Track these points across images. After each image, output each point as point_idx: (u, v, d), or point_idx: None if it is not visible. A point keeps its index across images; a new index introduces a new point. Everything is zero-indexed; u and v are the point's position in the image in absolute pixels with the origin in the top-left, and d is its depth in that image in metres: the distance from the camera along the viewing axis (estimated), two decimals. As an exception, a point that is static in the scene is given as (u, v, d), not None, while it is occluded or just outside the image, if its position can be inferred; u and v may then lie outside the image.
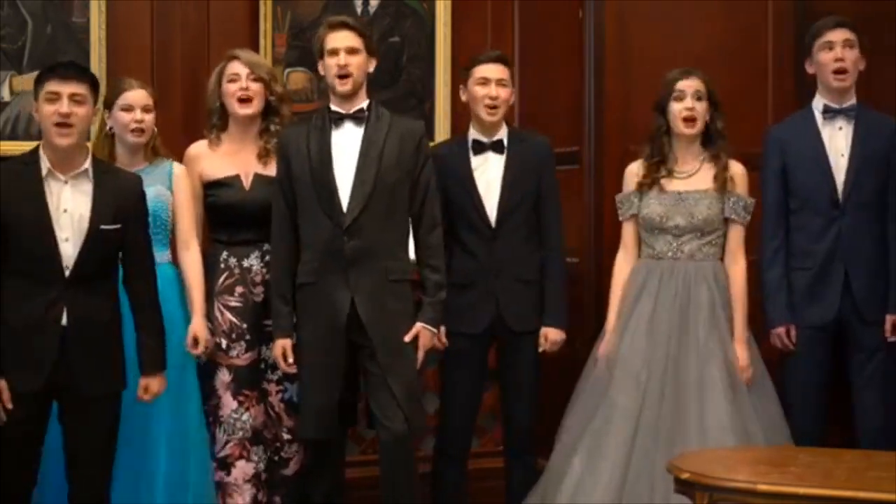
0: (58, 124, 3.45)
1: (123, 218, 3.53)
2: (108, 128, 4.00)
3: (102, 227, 3.48)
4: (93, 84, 3.55)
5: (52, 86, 3.47)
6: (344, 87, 3.92)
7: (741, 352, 4.06)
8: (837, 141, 4.23)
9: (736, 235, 4.16)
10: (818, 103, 4.27)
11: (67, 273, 3.44)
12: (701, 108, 4.11)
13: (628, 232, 4.23)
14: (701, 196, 4.10)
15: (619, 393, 4.03)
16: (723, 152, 4.13)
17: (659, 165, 4.15)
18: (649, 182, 4.14)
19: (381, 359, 3.84)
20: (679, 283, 4.07)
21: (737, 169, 4.16)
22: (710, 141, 4.16)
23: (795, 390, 4.25)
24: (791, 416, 4.25)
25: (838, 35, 4.20)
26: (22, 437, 3.45)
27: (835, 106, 4.24)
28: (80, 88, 3.48)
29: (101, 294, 3.52)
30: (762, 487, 3.21)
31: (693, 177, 4.14)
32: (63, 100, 3.45)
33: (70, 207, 3.47)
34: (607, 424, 4.02)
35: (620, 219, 4.24)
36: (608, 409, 4.04)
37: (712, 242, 4.12)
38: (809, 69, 4.30)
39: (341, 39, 3.93)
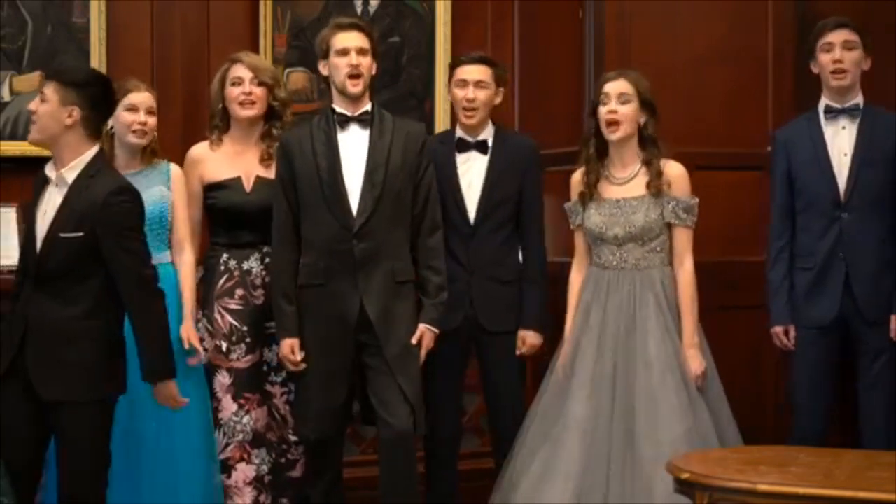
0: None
1: (87, 225, 3.42)
2: (109, 127, 4.00)
3: (61, 234, 3.42)
4: (68, 84, 3.46)
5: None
6: (356, 87, 3.92)
7: (692, 359, 3.93)
8: (840, 140, 4.22)
9: (680, 238, 4.00)
10: (822, 104, 4.27)
11: (33, 275, 3.45)
12: (627, 111, 3.98)
13: (579, 241, 4.13)
14: (638, 203, 3.99)
15: (573, 404, 3.97)
16: (655, 157, 4.00)
17: (592, 171, 4.03)
18: (588, 191, 4.04)
19: (388, 356, 3.86)
20: (625, 293, 3.98)
21: (675, 170, 4.00)
22: (645, 146, 4.04)
23: (798, 390, 4.25)
24: (794, 416, 4.25)
25: (838, 36, 4.20)
26: (23, 439, 3.45)
27: (837, 106, 4.23)
28: (44, 87, 3.48)
29: (71, 300, 3.42)
30: (762, 487, 3.21)
31: (630, 183, 4.02)
32: (36, 97, 3.50)
33: (48, 209, 3.47)
34: (563, 435, 3.95)
35: (571, 227, 4.15)
36: (564, 420, 3.97)
37: (656, 249, 4.01)
38: (814, 69, 4.30)
39: (352, 40, 3.93)
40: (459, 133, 4.24)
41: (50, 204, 3.47)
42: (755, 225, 4.63)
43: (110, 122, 3.96)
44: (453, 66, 4.26)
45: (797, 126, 4.32)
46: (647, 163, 4.02)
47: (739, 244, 4.53)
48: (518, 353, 4.19)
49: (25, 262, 3.50)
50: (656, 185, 3.98)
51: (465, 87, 4.17)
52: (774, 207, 4.28)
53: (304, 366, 3.92)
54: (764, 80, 4.74)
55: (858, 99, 4.24)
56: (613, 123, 3.98)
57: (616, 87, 3.99)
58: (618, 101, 3.97)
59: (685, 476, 3.33)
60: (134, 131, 3.95)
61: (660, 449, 3.78)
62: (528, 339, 4.17)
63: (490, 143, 4.22)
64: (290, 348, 3.92)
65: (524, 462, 4.02)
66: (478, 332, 4.18)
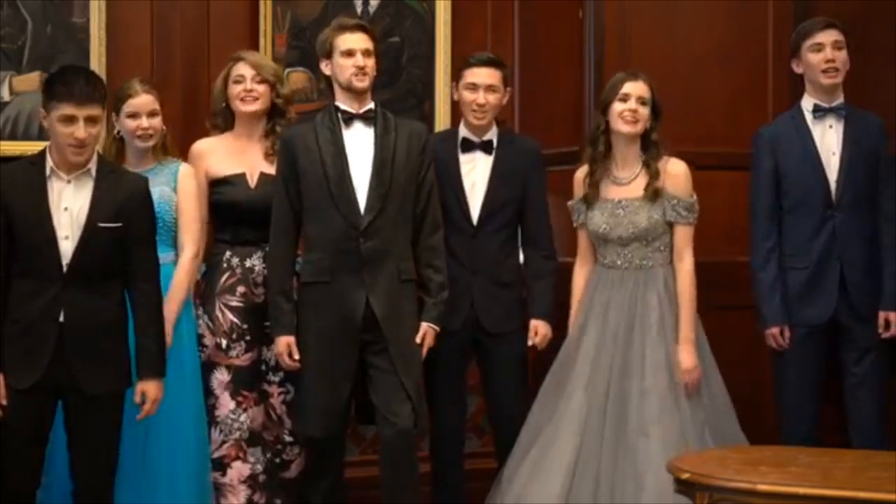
0: (73, 145, 3.46)
1: (126, 216, 3.53)
2: (115, 131, 4.01)
3: (101, 224, 3.48)
4: (104, 97, 3.54)
5: (67, 109, 3.43)
6: (362, 82, 3.92)
7: (684, 354, 3.96)
8: (828, 140, 4.23)
9: (681, 235, 4.05)
10: (807, 103, 4.27)
11: (65, 271, 3.46)
12: (645, 112, 4.03)
13: (582, 239, 4.16)
14: (639, 204, 4.03)
15: (569, 398, 4.00)
16: (654, 160, 4.04)
17: (596, 171, 4.07)
18: (592, 191, 4.07)
19: (393, 355, 3.86)
20: (628, 292, 4.02)
21: (676, 168, 4.06)
22: (648, 148, 4.07)
23: (788, 390, 4.25)
24: (783, 416, 4.25)
25: (827, 37, 4.20)
26: (26, 437, 3.47)
27: (825, 105, 4.24)
28: (94, 110, 3.46)
29: (104, 293, 3.52)
30: (762, 487, 3.21)
31: (631, 183, 4.06)
32: (79, 123, 3.43)
33: (71, 205, 3.49)
34: (557, 429, 3.98)
35: (574, 225, 4.18)
36: (558, 414, 4.00)
37: (660, 248, 4.06)
38: (797, 69, 4.30)
39: (359, 41, 3.94)
40: (464, 133, 4.24)
41: (70, 200, 3.49)
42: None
43: (116, 127, 3.99)
44: (463, 66, 4.24)
45: (782, 124, 4.32)
46: (647, 164, 4.05)
47: (739, 244, 4.51)
48: (530, 342, 4.18)
49: (40, 262, 3.47)
50: (653, 189, 4.02)
51: (475, 91, 4.16)
52: (759, 206, 4.26)
53: (298, 365, 3.92)
54: (764, 80, 4.74)
55: (842, 98, 4.25)
56: (632, 122, 4.01)
57: (637, 88, 4.03)
58: (638, 102, 4.02)
59: (685, 476, 3.33)
60: (139, 136, 3.98)
61: (650, 446, 3.82)
62: (540, 328, 4.18)
63: (495, 143, 4.22)
64: (286, 346, 3.92)
65: (518, 460, 4.05)
66: (478, 333, 4.18)
